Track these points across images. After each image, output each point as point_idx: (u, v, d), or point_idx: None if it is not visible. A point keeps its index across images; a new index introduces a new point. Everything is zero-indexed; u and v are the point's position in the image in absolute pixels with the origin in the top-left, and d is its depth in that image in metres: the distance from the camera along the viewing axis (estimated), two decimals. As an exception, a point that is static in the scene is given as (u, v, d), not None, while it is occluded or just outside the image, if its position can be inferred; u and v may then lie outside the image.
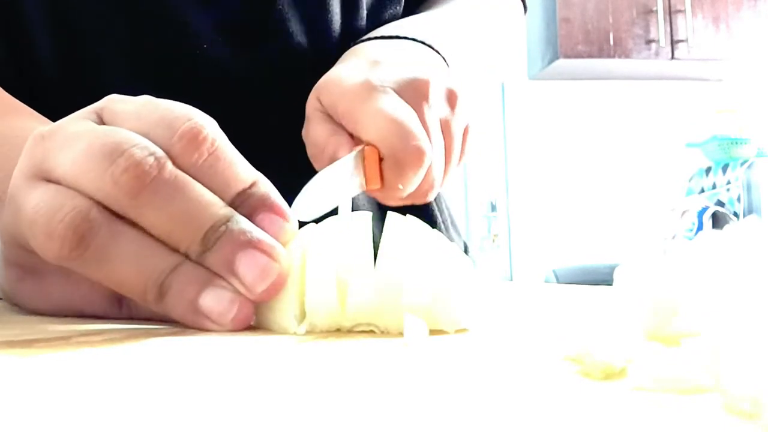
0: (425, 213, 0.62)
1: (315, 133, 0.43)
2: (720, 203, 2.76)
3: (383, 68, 0.44)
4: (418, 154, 0.40)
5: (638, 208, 3.22)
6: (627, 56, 3.04)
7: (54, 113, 0.33)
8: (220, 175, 0.28)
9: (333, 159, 0.41)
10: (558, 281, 2.98)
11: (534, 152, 3.27)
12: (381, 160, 0.41)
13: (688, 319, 0.20)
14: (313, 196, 0.33)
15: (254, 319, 0.27)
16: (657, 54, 3.05)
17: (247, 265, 0.26)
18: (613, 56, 3.03)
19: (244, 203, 0.29)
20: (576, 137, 3.27)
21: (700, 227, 2.57)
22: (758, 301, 0.15)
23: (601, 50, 3.03)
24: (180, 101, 0.30)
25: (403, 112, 0.41)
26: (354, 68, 0.44)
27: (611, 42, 3.03)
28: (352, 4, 0.57)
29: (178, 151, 0.27)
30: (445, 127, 0.44)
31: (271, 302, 0.27)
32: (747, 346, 0.14)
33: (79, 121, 0.29)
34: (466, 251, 0.70)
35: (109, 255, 0.26)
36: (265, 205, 0.29)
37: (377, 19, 0.59)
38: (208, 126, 0.28)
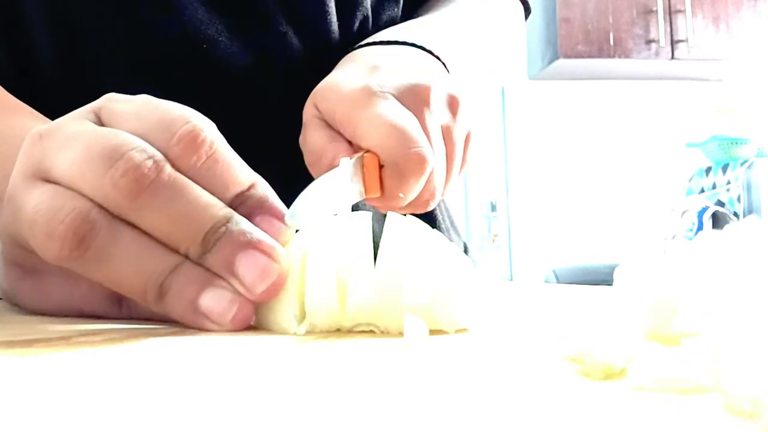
0: (425, 213, 0.62)
1: (312, 139, 0.42)
2: (720, 203, 2.76)
3: (382, 74, 0.43)
4: (420, 162, 0.39)
5: (638, 208, 3.22)
6: (627, 56, 3.04)
7: (54, 113, 0.33)
8: (219, 177, 0.28)
9: (331, 166, 0.39)
10: (558, 281, 2.98)
11: (534, 152, 3.27)
12: (381, 167, 0.39)
13: (688, 319, 0.20)
14: (309, 204, 0.32)
15: (254, 319, 0.27)
16: (657, 54, 3.05)
17: (247, 266, 0.26)
18: (613, 56, 3.03)
19: (242, 205, 0.29)
20: (576, 137, 3.27)
21: (700, 227, 2.57)
22: (758, 301, 0.15)
23: (601, 50, 3.03)
24: (179, 101, 0.30)
25: (404, 119, 0.39)
26: (352, 74, 0.43)
27: (611, 42, 3.03)
28: (351, 4, 0.56)
29: (177, 154, 0.27)
30: (447, 134, 0.43)
31: (271, 302, 0.27)
32: (747, 346, 0.14)
33: (77, 120, 0.29)
34: (466, 251, 0.70)
35: (109, 255, 0.26)
36: (263, 207, 0.29)
37: (376, 20, 0.59)
38: (207, 128, 0.28)
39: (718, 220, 2.57)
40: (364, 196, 0.39)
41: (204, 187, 0.28)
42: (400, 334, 0.25)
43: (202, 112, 0.30)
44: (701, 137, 2.95)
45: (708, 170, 2.93)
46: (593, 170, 3.26)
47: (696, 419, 0.13)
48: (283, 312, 0.27)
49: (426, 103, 0.41)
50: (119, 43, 0.50)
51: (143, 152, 0.26)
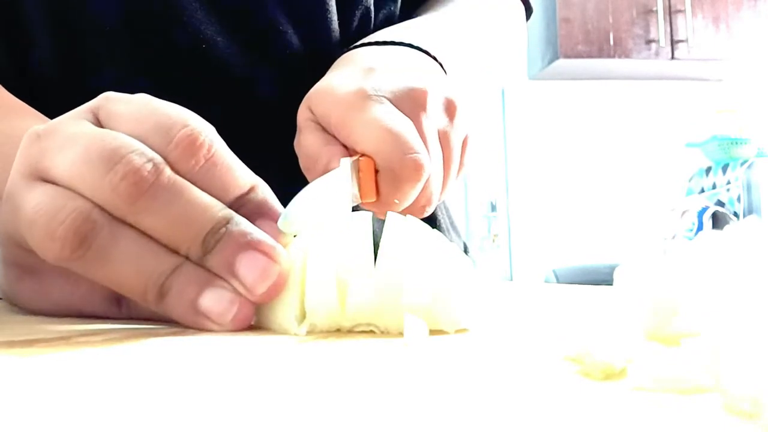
0: (424, 214, 0.62)
1: (307, 143, 0.42)
2: (720, 203, 2.76)
3: (378, 76, 0.42)
4: (416, 168, 0.38)
5: (638, 208, 3.22)
6: (627, 56, 3.04)
7: (54, 113, 0.33)
8: (218, 180, 0.28)
9: (327, 170, 0.38)
10: (558, 281, 2.98)
11: (534, 152, 3.27)
12: (377, 172, 0.39)
13: (688, 319, 0.20)
14: (302, 208, 0.31)
15: (254, 319, 0.27)
16: (657, 54, 3.05)
17: (247, 267, 0.26)
18: (613, 56, 3.03)
19: (243, 208, 0.29)
20: (576, 137, 3.28)
21: (700, 227, 2.57)
22: (758, 301, 0.15)
23: (601, 50, 3.03)
24: (179, 101, 0.30)
25: (400, 123, 0.39)
26: (347, 76, 0.43)
27: (611, 42, 3.04)
28: (350, 2, 0.56)
29: (176, 158, 0.27)
30: (444, 139, 0.42)
31: (271, 303, 0.27)
32: (747, 346, 0.14)
33: (76, 120, 0.29)
34: (466, 251, 0.70)
35: (109, 256, 0.26)
36: (262, 210, 0.29)
37: (374, 17, 0.59)
38: (205, 131, 0.28)
39: (718, 220, 2.57)
40: (360, 201, 0.39)
41: (204, 191, 0.28)
42: (400, 334, 0.25)
43: (202, 112, 0.29)
44: (701, 137, 2.95)
45: (708, 170, 2.93)
46: (593, 170, 3.26)
47: (696, 419, 0.13)
48: (284, 312, 0.27)
49: (422, 107, 0.41)
50: (119, 43, 0.50)
51: (142, 155, 0.26)
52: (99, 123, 0.29)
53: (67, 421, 0.13)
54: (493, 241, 3.27)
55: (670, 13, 3.05)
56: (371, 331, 0.26)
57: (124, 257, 0.26)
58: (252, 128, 0.51)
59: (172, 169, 0.27)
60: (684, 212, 2.67)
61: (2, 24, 0.50)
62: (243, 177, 0.29)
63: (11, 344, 0.22)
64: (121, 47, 0.50)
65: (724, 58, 3.09)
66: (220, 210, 0.27)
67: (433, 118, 0.42)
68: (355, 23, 0.57)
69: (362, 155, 0.39)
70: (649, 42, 3.05)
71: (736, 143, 2.82)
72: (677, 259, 0.20)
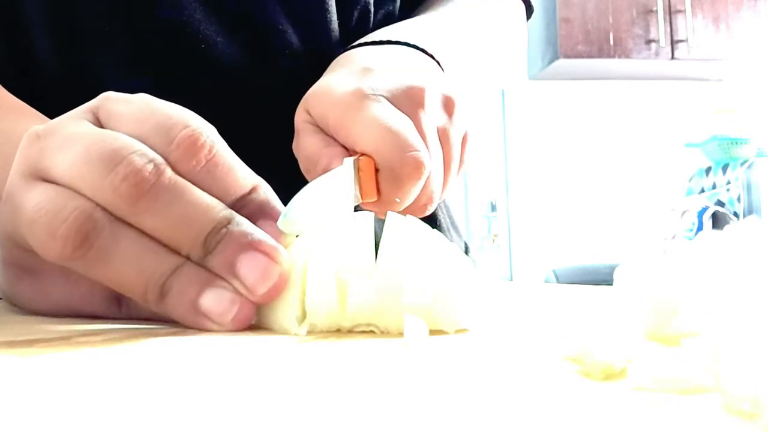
0: (424, 213, 0.62)
1: (306, 145, 0.41)
2: (720, 203, 2.76)
3: (375, 76, 0.41)
4: (416, 167, 0.38)
5: (638, 208, 3.22)
6: (627, 56, 3.04)
7: (54, 113, 0.33)
8: (219, 180, 0.28)
9: (327, 171, 0.38)
10: (558, 281, 2.98)
11: (534, 152, 3.27)
12: (377, 171, 0.38)
13: (688, 319, 0.20)
14: (302, 208, 0.31)
15: (255, 319, 0.27)
16: (657, 54, 3.05)
17: (248, 267, 0.26)
18: (613, 56, 3.03)
19: (244, 209, 0.29)
20: (576, 137, 3.28)
21: (700, 227, 2.57)
22: (758, 301, 0.15)
23: (601, 50, 3.03)
24: (179, 101, 0.30)
25: (399, 121, 0.38)
26: (344, 77, 0.42)
27: (611, 42, 3.04)
28: (350, 1, 0.56)
29: (177, 158, 0.27)
30: (443, 136, 0.42)
31: (272, 303, 0.27)
32: (747, 346, 0.14)
33: (76, 120, 0.29)
34: (466, 251, 0.70)
35: (111, 255, 0.26)
36: (264, 211, 0.29)
37: (373, 17, 0.59)
38: (206, 132, 0.28)
39: (718, 220, 2.57)
40: (361, 201, 0.38)
41: (205, 191, 0.28)
42: (400, 334, 0.25)
43: (201, 112, 0.29)
44: (701, 137, 2.95)
45: (708, 170, 2.93)
46: (593, 170, 3.26)
47: (696, 419, 0.13)
48: (285, 312, 0.27)
49: (421, 104, 0.41)
50: (119, 43, 0.50)
51: (143, 156, 0.26)
52: (99, 123, 0.29)
53: (67, 421, 0.13)
54: (493, 241, 3.27)
55: (670, 13, 3.05)
56: (371, 331, 0.26)
57: (125, 257, 0.26)
58: (252, 128, 0.51)
59: (173, 169, 0.27)
60: (684, 212, 2.67)
61: (2, 24, 0.50)
62: (245, 177, 0.29)
63: (11, 344, 0.22)
64: (121, 47, 0.50)
65: (724, 58, 3.09)
66: (221, 210, 0.27)
67: (432, 115, 0.41)
68: (354, 22, 0.57)
69: (362, 155, 0.39)
70: (649, 42, 3.05)
71: (736, 143, 2.81)
72: (677, 259, 0.20)
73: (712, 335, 0.15)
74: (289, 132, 0.45)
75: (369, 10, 0.58)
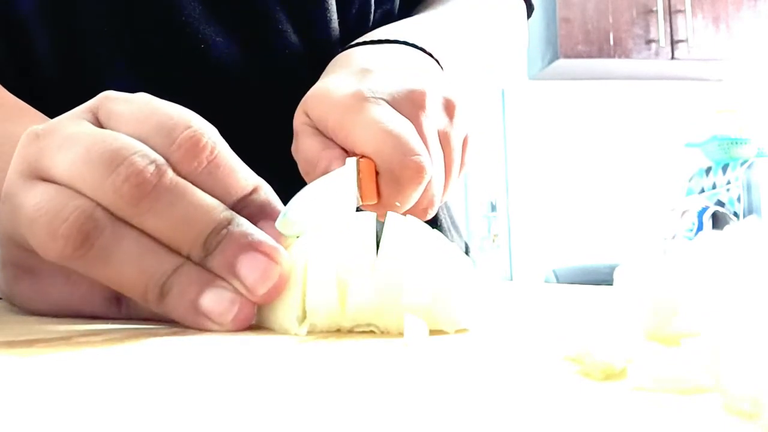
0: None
1: (305, 147, 0.41)
2: (720, 203, 2.76)
3: (375, 77, 0.41)
4: (417, 170, 0.37)
5: (638, 208, 3.22)
6: (627, 56, 3.04)
7: (54, 113, 0.33)
8: (220, 181, 0.28)
9: (326, 174, 0.37)
10: (558, 281, 2.98)
11: (534, 152, 3.27)
12: (378, 173, 0.38)
13: (688, 319, 0.20)
14: (303, 208, 0.30)
15: (255, 319, 0.27)
16: (657, 54, 3.05)
17: (248, 267, 0.26)
18: (613, 56, 3.03)
19: (245, 210, 0.29)
20: (576, 137, 3.28)
21: (700, 227, 2.57)
22: (758, 301, 0.15)
23: (601, 50, 3.03)
24: (178, 101, 0.30)
25: (400, 125, 0.38)
26: (343, 79, 0.42)
27: (611, 42, 3.04)
28: (349, 0, 0.56)
29: (178, 159, 0.27)
30: (444, 139, 0.42)
31: (272, 303, 0.27)
32: (747, 346, 0.14)
33: (75, 120, 0.29)
34: (466, 251, 0.70)
35: (111, 255, 0.26)
36: (265, 211, 0.29)
37: (372, 15, 0.58)
38: (208, 133, 0.28)
39: (718, 220, 2.57)
40: (361, 203, 0.38)
41: (206, 192, 0.28)
42: (400, 334, 0.25)
43: (201, 112, 0.29)
44: (701, 137, 2.95)
45: (708, 170, 2.93)
46: (593, 170, 3.26)
47: (696, 419, 0.13)
48: (285, 312, 0.27)
49: (422, 107, 0.40)
50: (119, 43, 0.50)
51: (145, 157, 0.26)
52: (98, 123, 0.29)
53: (67, 421, 0.13)
54: (493, 241, 3.27)
55: (670, 13, 3.05)
56: (371, 331, 0.26)
57: (126, 257, 0.26)
58: (252, 128, 0.51)
59: (175, 170, 0.27)
60: (684, 212, 2.67)
61: (2, 24, 0.50)
62: (246, 178, 0.29)
63: (11, 344, 0.22)
64: (120, 47, 0.50)
65: (724, 58, 3.09)
66: (222, 211, 0.27)
67: (433, 118, 0.41)
68: (353, 21, 0.57)
69: (362, 157, 0.38)
70: (649, 42, 3.05)
71: (736, 143, 2.82)
72: (677, 259, 0.20)
73: (712, 335, 0.15)
74: (289, 132, 0.45)
75: (368, 9, 0.58)
